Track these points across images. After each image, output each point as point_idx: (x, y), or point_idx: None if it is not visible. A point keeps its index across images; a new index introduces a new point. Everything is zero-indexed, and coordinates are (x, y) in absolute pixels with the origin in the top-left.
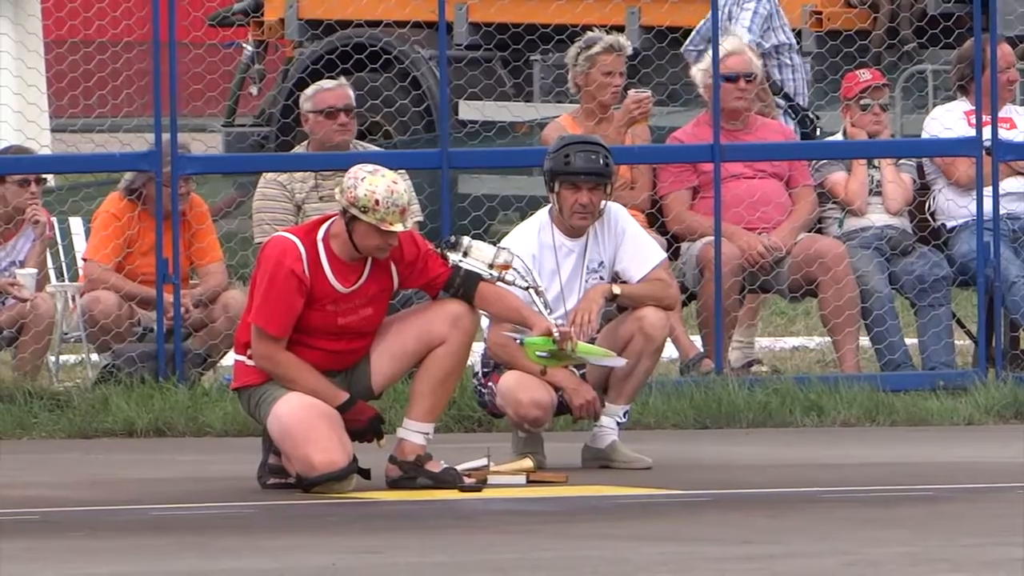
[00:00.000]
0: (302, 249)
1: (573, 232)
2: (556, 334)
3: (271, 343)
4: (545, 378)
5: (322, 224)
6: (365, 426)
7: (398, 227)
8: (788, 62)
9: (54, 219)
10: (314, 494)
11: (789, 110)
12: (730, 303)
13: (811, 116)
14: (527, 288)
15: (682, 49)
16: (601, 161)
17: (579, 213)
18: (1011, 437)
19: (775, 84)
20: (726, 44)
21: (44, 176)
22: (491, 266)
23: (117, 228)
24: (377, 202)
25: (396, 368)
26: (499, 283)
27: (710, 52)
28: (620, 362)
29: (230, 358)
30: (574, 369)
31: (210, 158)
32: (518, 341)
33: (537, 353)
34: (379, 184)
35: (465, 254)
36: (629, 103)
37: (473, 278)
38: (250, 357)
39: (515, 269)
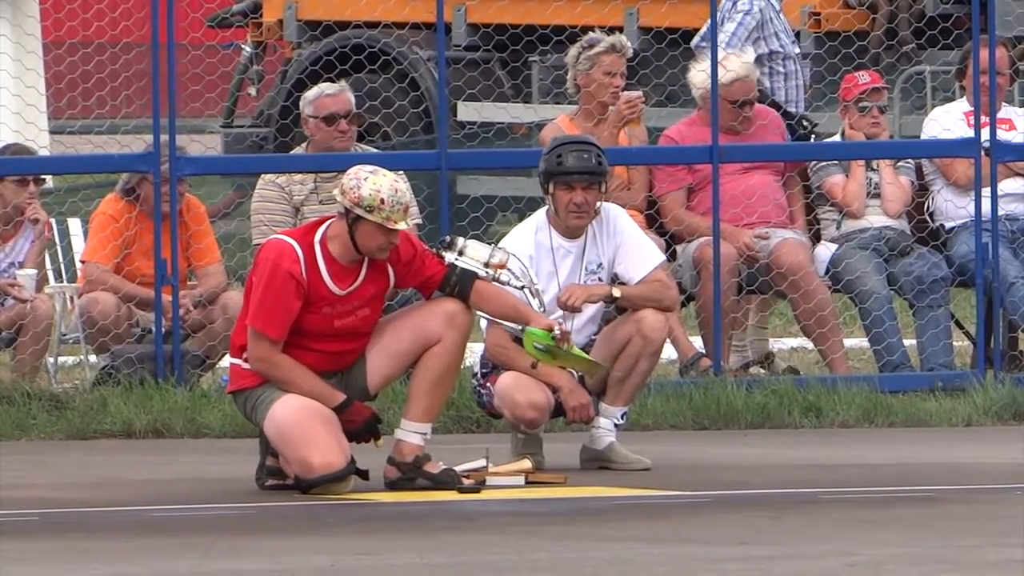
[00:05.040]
0: (299, 251)
1: (571, 233)
2: (557, 331)
3: (268, 346)
4: (544, 379)
5: (319, 226)
6: (361, 427)
7: (402, 225)
8: (780, 70)
9: (52, 220)
10: (312, 495)
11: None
12: (729, 304)
13: (804, 123)
14: (522, 288)
15: (692, 44)
16: (594, 160)
17: (574, 213)
18: (1009, 438)
19: (763, 92)
20: (732, 66)
21: (43, 176)
22: (487, 265)
23: (115, 229)
24: (382, 201)
25: (392, 368)
26: (494, 283)
27: (705, 61)
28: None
29: (228, 360)
30: (573, 371)
31: (208, 159)
32: (520, 328)
33: (535, 344)
34: (383, 183)
35: (460, 253)
36: (621, 104)
37: (469, 276)
38: (246, 360)
39: (509, 269)
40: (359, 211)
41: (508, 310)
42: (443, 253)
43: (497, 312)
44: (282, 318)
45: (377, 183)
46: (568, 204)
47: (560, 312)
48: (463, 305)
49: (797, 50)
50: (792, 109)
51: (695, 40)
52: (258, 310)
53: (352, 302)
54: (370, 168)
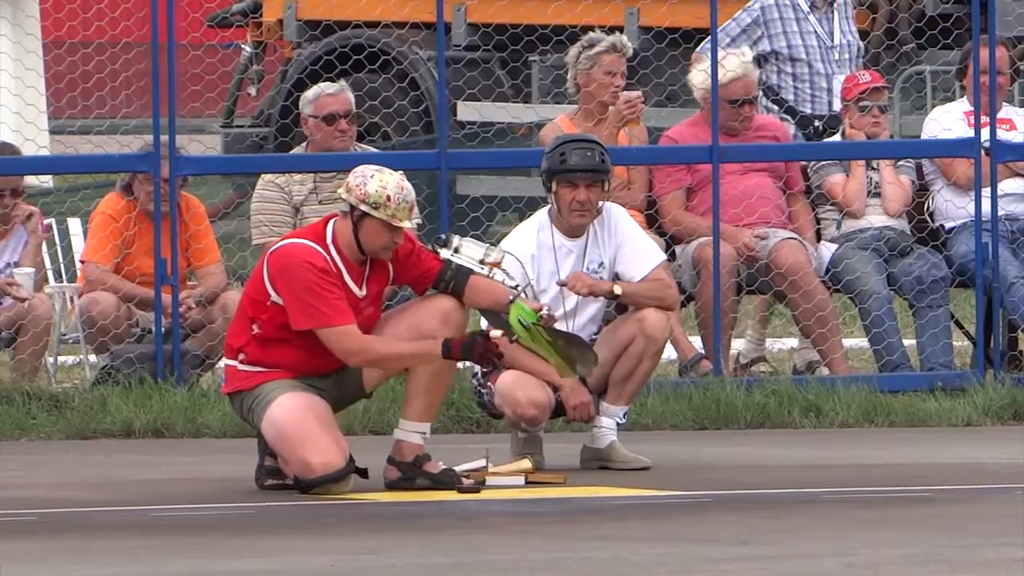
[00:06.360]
0: (324, 254)
1: (573, 232)
2: (544, 313)
3: (348, 335)
4: (545, 378)
5: (325, 228)
6: (469, 342)
7: (406, 224)
8: (788, 70)
9: (52, 220)
10: (312, 495)
11: (788, 117)
12: (728, 304)
13: (816, 125)
14: (516, 287)
15: (696, 51)
16: (597, 158)
17: (577, 211)
18: (1009, 438)
19: (771, 89)
20: (731, 65)
21: (19, 189)
22: (482, 263)
23: (115, 229)
24: (389, 198)
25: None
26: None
27: (705, 61)
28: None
29: (224, 361)
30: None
31: (209, 159)
32: (510, 298)
33: (519, 319)
34: (389, 181)
35: (456, 251)
36: (620, 104)
37: (464, 272)
38: (242, 362)
39: (504, 268)
40: (365, 207)
41: (503, 306)
42: (438, 250)
43: (492, 307)
44: (340, 302)
45: (384, 180)
46: (571, 202)
47: (561, 311)
48: (457, 303)
49: (838, 56)
50: (807, 110)
51: (699, 48)
52: (315, 310)
53: (362, 303)
54: (375, 167)
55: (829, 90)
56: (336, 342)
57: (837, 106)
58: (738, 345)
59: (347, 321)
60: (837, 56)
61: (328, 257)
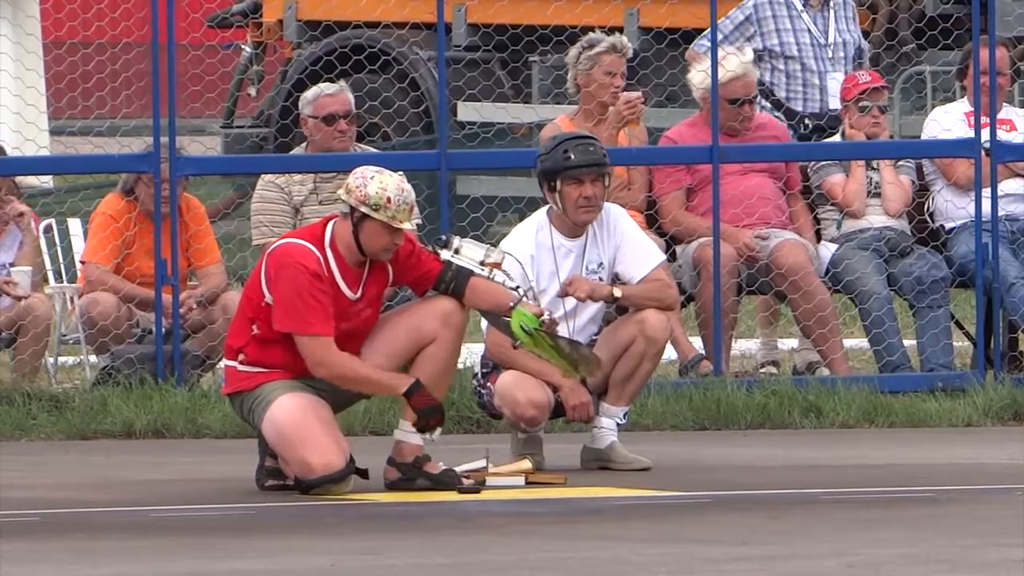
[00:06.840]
0: (319, 256)
1: (572, 232)
2: (546, 318)
3: (322, 345)
4: (545, 378)
5: (324, 230)
6: (436, 405)
7: (407, 225)
8: (780, 68)
9: (52, 220)
10: (312, 495)
11: (781, 115)
12: (728, 304)
13: (806, 123)
14: (516, 288)
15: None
16: (599, 152)
17: (584, 207)
18: (1009, 438)
19: (765, 88)
20: (730, 65)
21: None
22: (482, 264)
23: (115, 230)
24: (389, 199)
25: (387, 368)
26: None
27: (705, 61)
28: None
29: (224, 362)
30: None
31: (209, 159)
32: (511, 304)
33: (521, 325)
34: (389, 182)
35: (456, 252)
36: (620, 105)
37: (464, 273)
38: (241, 363)
39: (504, 269)
40: (365, 209)
41: (503, 308)
42: (439, 251)
43: (492, 308)
44: (325, 312)
45: (384, 182)
46: (578, 199)
47: (561, 311)
48: (458, 304)
49: (832, 54)
50: (798, 108)
51: (692, 47)
52: (297, 314)
53: (359, 305)
54: (375, 168)
55: (822, 88)
56: (310, 350)
57: (830, 104)
58: (740, 345)
59: (325, 332)
60: (831, 54)
61: (322, 260)
